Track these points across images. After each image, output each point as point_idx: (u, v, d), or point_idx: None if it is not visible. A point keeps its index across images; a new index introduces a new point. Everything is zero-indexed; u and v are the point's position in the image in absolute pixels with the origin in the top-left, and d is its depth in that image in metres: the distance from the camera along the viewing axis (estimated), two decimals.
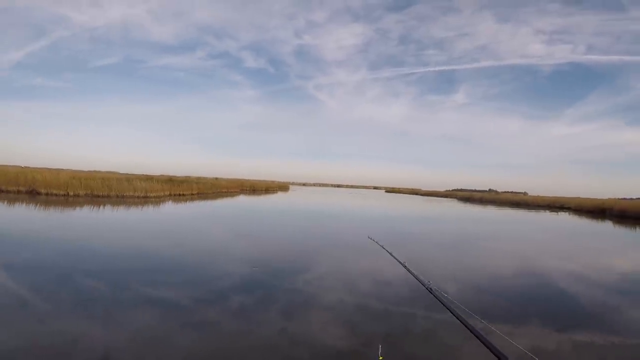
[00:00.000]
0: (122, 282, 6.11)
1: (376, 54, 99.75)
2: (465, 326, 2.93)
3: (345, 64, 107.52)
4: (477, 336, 2.68)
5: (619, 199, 44.44)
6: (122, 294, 5.55)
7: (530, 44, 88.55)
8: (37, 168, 38.87)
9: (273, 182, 65.85)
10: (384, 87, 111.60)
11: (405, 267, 4.77)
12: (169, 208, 21.12)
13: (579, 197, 50.69)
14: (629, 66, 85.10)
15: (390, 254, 5.47)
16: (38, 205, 17.51)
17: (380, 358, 3.20)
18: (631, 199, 48.46)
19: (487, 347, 2.41)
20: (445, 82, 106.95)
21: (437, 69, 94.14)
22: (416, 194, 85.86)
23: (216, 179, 44.68)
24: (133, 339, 4.08)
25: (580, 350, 4.54)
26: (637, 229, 22.31)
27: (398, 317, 5.31)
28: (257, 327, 4.65)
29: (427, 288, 3.84)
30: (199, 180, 39.17)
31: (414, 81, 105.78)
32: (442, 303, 3.47)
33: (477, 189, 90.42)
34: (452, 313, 3.25)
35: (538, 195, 63.53)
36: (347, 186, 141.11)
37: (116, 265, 7.31)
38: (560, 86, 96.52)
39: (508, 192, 79.07)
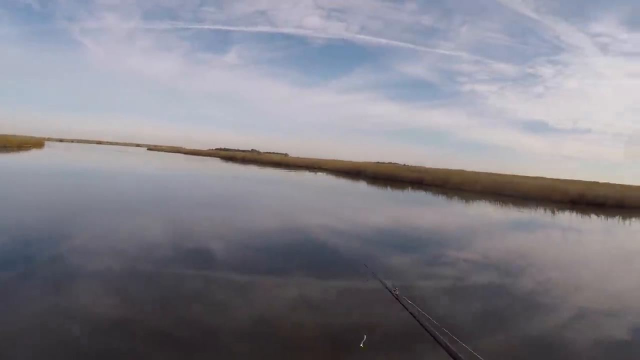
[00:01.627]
0: None
1: (153, 2, 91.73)
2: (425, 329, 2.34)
3: (117, 9, 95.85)
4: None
5: (373, 162, 51.65)
6: None
7: (308, 17, 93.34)
8: None
9: (24, 137, 55.85)
10: (156, 40, 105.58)
11: None
12: None
13: (337, 160, 55.57)
14: (394, 50, 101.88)
15: None
16: None
17: (362, 346, 3.06)
18: (383, 163, 57.89)
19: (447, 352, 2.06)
20: (220, 42, 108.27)
21: (213, 27, 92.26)
22: (178, 152, 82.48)
23: None
24: None
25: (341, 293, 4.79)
26: (389, 188, 25.74)
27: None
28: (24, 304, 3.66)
29: None
30: None
31: (188, 37, 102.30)
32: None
33: (241, 148, 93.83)
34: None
35: (298, 157, 67.05)
36: (108, 143, 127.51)
37: None
38: (330, 59, 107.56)
39: (270, 152, 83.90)
